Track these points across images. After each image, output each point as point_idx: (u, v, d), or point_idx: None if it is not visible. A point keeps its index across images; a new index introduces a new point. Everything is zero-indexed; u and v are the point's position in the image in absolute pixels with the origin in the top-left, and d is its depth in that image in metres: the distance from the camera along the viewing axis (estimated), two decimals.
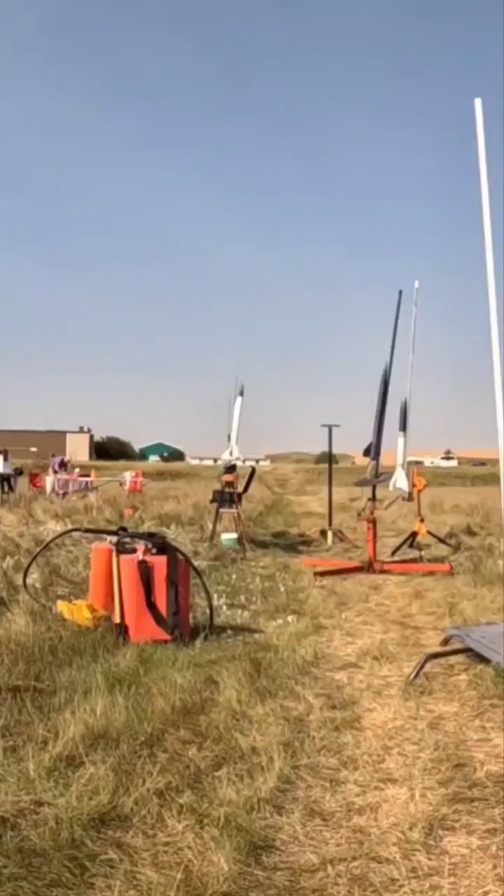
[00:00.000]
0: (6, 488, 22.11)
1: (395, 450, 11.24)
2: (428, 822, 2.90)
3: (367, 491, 10.18)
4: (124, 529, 6.95)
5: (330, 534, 13.15)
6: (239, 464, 12.44)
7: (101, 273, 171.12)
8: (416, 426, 10.61)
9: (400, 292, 10.48)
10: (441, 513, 17.69)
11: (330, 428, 14.10)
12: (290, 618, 6.62)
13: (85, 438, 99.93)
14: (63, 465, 26.50)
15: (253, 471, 13.72)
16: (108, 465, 57.90)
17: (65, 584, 7.70)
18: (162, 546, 5.88)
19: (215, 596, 7.08)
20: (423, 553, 10.71)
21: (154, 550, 5.82)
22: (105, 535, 7.11)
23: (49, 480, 24.50)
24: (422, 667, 4.78)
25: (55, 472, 25.44)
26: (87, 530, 8.58)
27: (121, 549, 5.85)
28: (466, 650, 5.06)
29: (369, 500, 10.04)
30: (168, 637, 5.43)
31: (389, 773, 3.38)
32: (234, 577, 8.84)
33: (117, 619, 5.56)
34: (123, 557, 5.70)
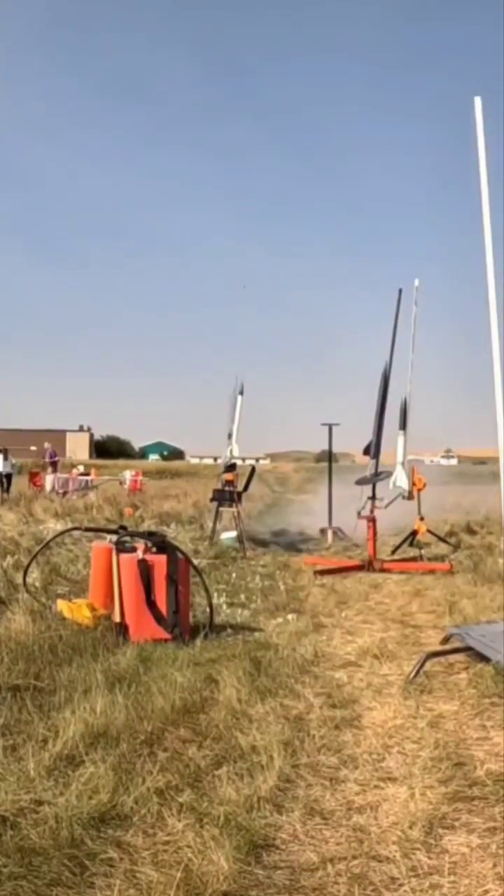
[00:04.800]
0: (6, 487, 22.11)
1: (395, 448, 11.24)
2: (428, 821, 2.90)
3: (367, 489, 10.19)
4: (124, 528, 6.95)
5: (330, 532, 13.15)
6: (239, 462, 12.44)
7: (101, 272, 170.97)
8: (415, 425, 10.61)
9: (400, 290, 10.48)
10: (441, 511, 17.67)
11: (330, 427, 14.13)
12: (290, 616, 6.62)
13: (85, 437, 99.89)
14: (53, 456, 26.54)
15: (253, 469, 13.72)
16: (108, 463, 57.94)
17: (65, 582, 7.71)
18: (162, 545, 5.88)
19: (215, 594, 7.08)
20: (422, 552, 10.71)
21: (154, 549, 5.82)
22: (105, 534, 7.13)
23: (49, 479, 24.52)
24: (422, 665, 4.78)
25: (49, 462, 25.53)
26: (86, 529, 8.59)
27: (121, 547, 5.85)
28: (466, 649, 5.06)
29: (369, 498, 10.04)
30: (168, 636, 5.44)
31: (389, 772, 3.38)
32: (234, 575, 8.85)
33: (117, 618, 5.56)
34: (123, 556, 5.70)
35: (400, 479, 10.67)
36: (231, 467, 12.01)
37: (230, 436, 11.93)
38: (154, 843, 2.74)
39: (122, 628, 5.48)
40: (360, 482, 10.26)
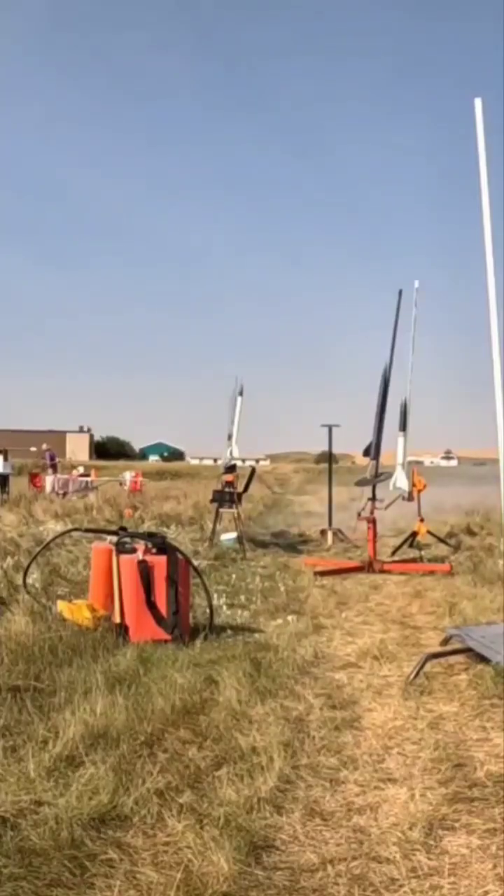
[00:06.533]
0: (6, 489, 22.09)
1: (395, 449, 11.24)
2: (428, 822, 2.90)
3: (367, 491, 10.20)
4: (124, 529, 6.95)
5: (330, 533, 13.15)
6: (239, 463, 12.44)
7: (101, 272, 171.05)
8: (415, 426, 10.60)
9: (400, 292, 10.48)
10: (441, 512, 17.67)
11: (330, 428, 14.11)
12: (290, 617, 6.62)
13: (85, 438, 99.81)
14: (53, 458, 26.56)
15: (253, 470, 13.74)
16: (108, 464, 57.86)
17: (65, 583, 7.70)
18: (162, 546, 5.88)
19: (215, 596, 7.09)
20: (423, 553, 10.71)
21: (154, 550, 5.82)
22: (105, 535, 7.12)
23: (49, 480, 24.51)
24: (422, 666, 4.78)
25: (49, 464, 25.57)
26: (87, 530, 8.60)
27: (121, 548, 5.85)
28: (466, 650, 5.06)
29: (369, 499, 10.04)
30: (168, 637, 5.44)
31: (389, 773, 3.38)
32: (234, 576, 8.85)
33: (117, 619, 5.56)
34: (123, 557, 5.70)
35: (400, 481, 10.68)
36: (231, 468, 12.01)
37: (230, 437, 11.93)
38: (154, 843, 2.74)
39: (122, 629, 5.49)
40: (361, 483, 10.26)
